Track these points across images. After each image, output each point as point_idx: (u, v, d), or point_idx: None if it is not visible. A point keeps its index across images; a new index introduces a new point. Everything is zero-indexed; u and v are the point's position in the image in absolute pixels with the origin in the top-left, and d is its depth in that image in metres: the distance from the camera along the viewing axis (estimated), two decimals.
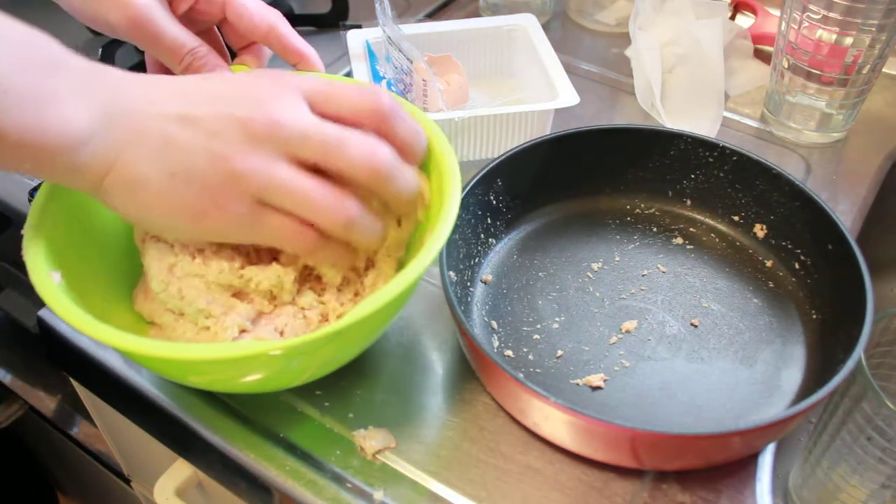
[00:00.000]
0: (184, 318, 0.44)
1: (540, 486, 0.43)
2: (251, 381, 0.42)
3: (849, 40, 0.59)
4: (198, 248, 0.43)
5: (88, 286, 0.43)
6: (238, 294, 0.44)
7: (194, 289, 0.42)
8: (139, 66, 0.65)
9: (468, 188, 0.51)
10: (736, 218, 0.56)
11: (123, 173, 0.37)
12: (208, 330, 0.43)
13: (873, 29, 0.58)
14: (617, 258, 0.55)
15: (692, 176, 0.57)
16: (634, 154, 0.57)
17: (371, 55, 0.66)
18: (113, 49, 0.72)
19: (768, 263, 0.54)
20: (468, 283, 0.52)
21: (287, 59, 0.52)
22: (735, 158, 0.55)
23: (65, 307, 0.38)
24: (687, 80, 0.68)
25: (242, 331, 0.43)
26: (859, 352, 0.40)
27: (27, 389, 0.92)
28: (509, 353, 0.49)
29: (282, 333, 0.43)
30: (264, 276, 0.43)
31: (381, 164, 0.39)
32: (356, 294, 0.46)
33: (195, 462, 0.53)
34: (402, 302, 0.44)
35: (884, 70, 0.68)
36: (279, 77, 0.40)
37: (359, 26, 0.75)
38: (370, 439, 0.44)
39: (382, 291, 0.38)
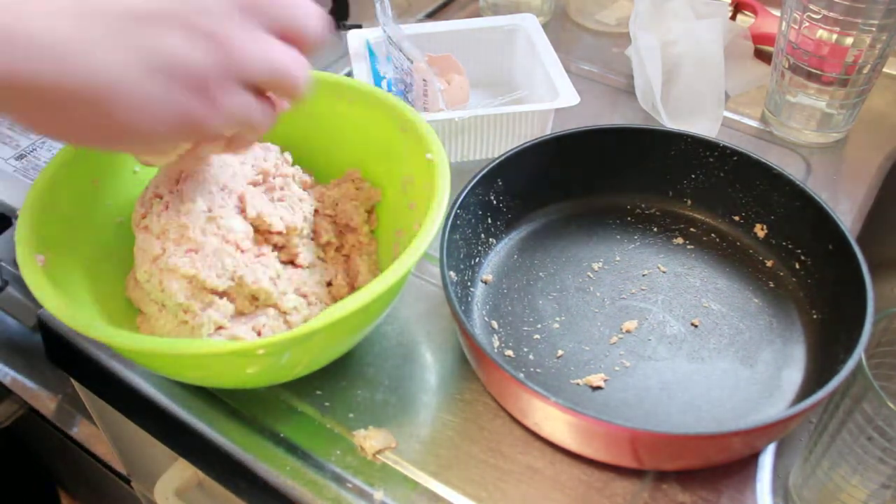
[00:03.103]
0: (166, 309, 0.44)
1: (540, 486, 0.43)
2: (239, 375, 0.42)
3: (849, 40, 0.59)
4: (192, 248, 0.43)
5: (80, 270, 0.43)
6: (223, 293, 0.44)
7: (175, 283, 0.42)
8: None
9: (468, 188, 0.51)
10: (736, 218, 0.56)
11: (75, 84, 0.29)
12: (186, 324, 0.43)
13: (874, 29, 0.58)
14: (617, 258, 0.55)
15: (692, 176, 0.57)
16: (634, 154, 0.57)
17: (371, 55, 0.66)
18: None
19: (768, 263, 0.54)
20: (468, 283, 0.52)
21: None
22: (735, 158, 0.55)
23: (39, 286, 0.38)
24: (687, 80, 0.68)
25: (219, 327, 0.43)
26: (860, 352, 0.40)
27: (27, 389, 0.91)
28: (510, 353, 0.49)
29: (259, 333, 0.43)
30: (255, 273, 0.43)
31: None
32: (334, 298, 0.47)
33: (195, 462, 0.53)
34: (371, 311, 0.43)
35: (884, 70, 0.68)
36: None
37: (359, 26, 0.75)
38: (370, 439, 0.44)
39: (328, 311, 0.37)
